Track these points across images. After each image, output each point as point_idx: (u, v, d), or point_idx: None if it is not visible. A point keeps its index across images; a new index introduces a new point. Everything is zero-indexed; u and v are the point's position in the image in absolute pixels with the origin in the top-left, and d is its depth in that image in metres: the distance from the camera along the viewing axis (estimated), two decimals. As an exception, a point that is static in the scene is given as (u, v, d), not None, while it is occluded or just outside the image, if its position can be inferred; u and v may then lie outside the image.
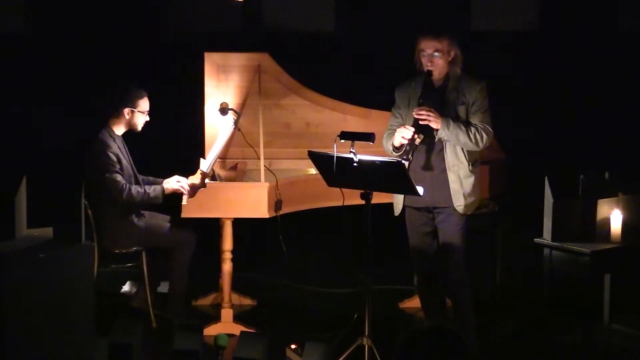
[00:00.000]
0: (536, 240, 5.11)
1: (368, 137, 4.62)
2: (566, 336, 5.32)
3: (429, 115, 4.85)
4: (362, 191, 4.71)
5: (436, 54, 4.92)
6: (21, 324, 4.53)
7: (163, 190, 5.46)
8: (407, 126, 4.90)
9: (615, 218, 5.02)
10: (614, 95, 7.82)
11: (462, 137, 4.87)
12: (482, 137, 4.90)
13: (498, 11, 7.90)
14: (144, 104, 5.56)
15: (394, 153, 4.95)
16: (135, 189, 5.43)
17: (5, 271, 4.52)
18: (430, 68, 4.94)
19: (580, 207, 5.07)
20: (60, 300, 4.60)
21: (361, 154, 4.58)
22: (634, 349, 5.24)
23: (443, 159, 4.95)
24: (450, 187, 4.94)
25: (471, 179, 4.97)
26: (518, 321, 5.70)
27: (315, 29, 7.96)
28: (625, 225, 5.02)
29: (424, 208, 5.04)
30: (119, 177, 5.41)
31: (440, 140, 4.93)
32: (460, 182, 4.95)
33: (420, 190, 4.81)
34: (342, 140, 4.63)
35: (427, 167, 4.97)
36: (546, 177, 5.09)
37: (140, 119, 5.56)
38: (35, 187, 5.08)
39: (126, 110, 5.52)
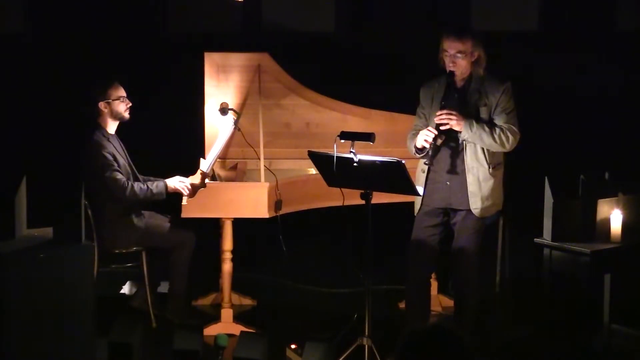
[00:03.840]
0: (536, 240, 5.10)
1: (368, 137, 4.62)
2: (566, 336, 5.32)
3: (449, 119, 4.83)
4: (362, 191, 4.71)
5: (459, 55, 4.88)
6: (21, 324, 4.53)
7: (166, 186, 5.46)
8: (430, 128, 4.89)
9: (615, 218, 5.02)
10: (614, 95, 7.82)
11: (487, 138, 4.84)
12: (507, 138, 4.86)
13: (498, 11, 7.90)
14: (116, 91, 5.51)
15: (416, 154, 4.95)
16: (137, 185, 5.44)
17: (5, 271, 4.52)
18: (452, 69, 4.90)
19: (580, 207, 5.06)
20: (60, 300, 4.60)
21: (361, 154, 4.58)
22: (634, 349, 5.24)
23: (463, 160, 4.95)
24: (468, 189, 4.93)
25: (490, 182, 4.94)
26: (517, 321, 5.70)
27: (315, 29, 7.96)
28: (625, 225, 5.02)
29: (442, 209, 5.03)
30: (119, 176, 5.41)
31: (462, 141, 4.91)
32: (478, 184, 4.92)
33: (420, 190, 4.82)
34: (342, 140, 4.63)
35: (448, 168, 4.96)
36: (546, 177, 5.09)
37: (120, 107, 5.52)
38: (35, 187, 5.08)
39: (102, 105, 5.50)
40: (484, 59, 4.95)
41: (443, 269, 5.62)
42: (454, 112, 4.84)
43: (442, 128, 4.86)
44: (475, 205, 4.93)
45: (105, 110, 5.51)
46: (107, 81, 5.55)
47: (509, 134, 4.87)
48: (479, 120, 4.87)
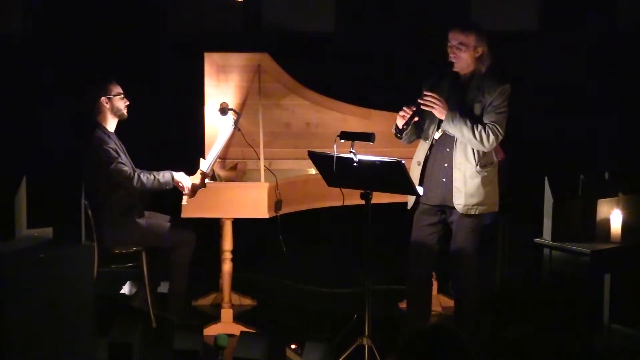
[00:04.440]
0: (536, 240, 5.11)
1: (368, 137, 4.62)
2: (566, 336, 5.32)
3: (434, 103, 4.83)
4: (362, 191, 4.71)
5: (461, 47, 4.88)
6: (21, 324, 4.53)
7: (172, 176, 5.47)
8: (410, 106, 4.91)
9: (615, 218, 5.03)
10: (613, 95, 7.82)
11: (467, 132, 4.83)
12: (487, 137, 4.84)
13: (498, 11, 7.91)
14: (116, 88, 5.57)
15: (394, 131, 4.96)
16: (144, 175, 5.45)
17: (5, 271, 4.52)
18: (452, 59, 4.91)
19: (580, 207, 5.07)
20: (60, 300, 4.61)
21: (361, 154, 4.58)
22: (634, 349, 5.25)
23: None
24: (453, 185, 4.93)
25: (477, 180, 4.92)
26: (518, 321, 5.70)
27: (315, 29, 7.96)
28: (625, 225, 5.02)
29: (437, 206, 5.03)
30: (124, 167, 5.42)
31: (443, 131, 4.91)
32: (464, 181, 4.91)
33: (420, 190, 4.81)
34: (342, 140, 4.63)
35: (443, 165, 4.96)
36: (546, 177, 5.08)
37: (120, 103, 5.56)
38: (35, 187, 5.08)
39: (103, 100, 5.52)
40: (488, 57, 4.95)
41: (443, 269, 5.62)
42: (439, 98, 4.84)
43: (422, 107, 4.86)
44: (458, 201, 4.93)
45: (107, 106, 5.52)
46: (107, 78, 5.59)
47: (490, 133, 4.84)
48: (464, 114, 4.86)
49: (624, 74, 7.80)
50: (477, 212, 4.94)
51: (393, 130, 4.97)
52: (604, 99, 7.83)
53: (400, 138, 4.99)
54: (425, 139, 5.02)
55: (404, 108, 4.89)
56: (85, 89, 5.59)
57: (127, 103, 5.58)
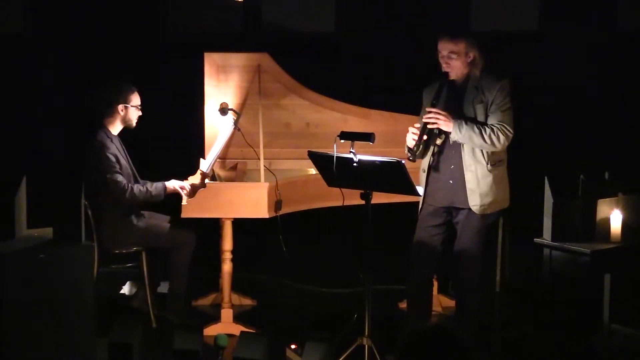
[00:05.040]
0: (536, 240, 5.10)
1: (368, 137, 4.62)
2: (566, 336, 5.32)
3: (437, 119, 4.84)
4: (362, 191, 4.71)
5: (452, 55, 4.89)
6: (21, 324, 4.53)
7: (165, 187, 5.46)
8: (416, 126, 4.91)
9: (615, 218, 5.02)
10: (613, 95, 7.82)
11: (477, 139, 4.84)
12: (498, 138, 4.85)
13: (498, 11, 7.91)
14: (136, 99, 5.56)
15: (408, 154, 4.97)
16: (137, 187, 5.44)
17: (5, 271, 4.52)
18: (446, 69, 4.92)
19: (580, 207, 5.06)
20: (60, 300, 4.61)
21: (361, 154, 4.58)
22: (634, 349, 5.24)
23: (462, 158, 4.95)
24: (466, 187, 4.93)
25: (489, 179, 4.92)
26: (518, 321, 5.70)
27: (315, 29, 7.96)
28: (625, 225, 5.02)
29: (445, 208, 5.03)
30: (120, 178, 5.41)
31: (453, 142, 4.91)
32: (477, 181, 4.91)
33: (420, 190, 4.81)
34: (342, 140, 4.63)
35: (450, 166, 4.96)
36: (546, 177, 5.08)
37: (134, 114, 5.56)
38: (35, 187, 5.08)
39: (120, 107, 5.51)
40: (480, 60, 4.95)
41: (443, 269, 5.62)
42: (442, 112, 4.84)
43: (429, 127, 4.87)
44: (474, 202, 4.93)
45: (121, 114, 5.52)
46: (131, 86, 5.57)
47: (499, 134, 4.85)
48: (470, 121, 4.86)
49: (624, 74, 7.80)
50: (491, 211, 4.95)
51: (406, 152, 4.98)
52: (604, 99, 7.83)
53: (414, 160, 4.97)
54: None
55: (411, 130, 4.90)
56: (105, 90, 5.55)
57: (140, 114, 5.58)
